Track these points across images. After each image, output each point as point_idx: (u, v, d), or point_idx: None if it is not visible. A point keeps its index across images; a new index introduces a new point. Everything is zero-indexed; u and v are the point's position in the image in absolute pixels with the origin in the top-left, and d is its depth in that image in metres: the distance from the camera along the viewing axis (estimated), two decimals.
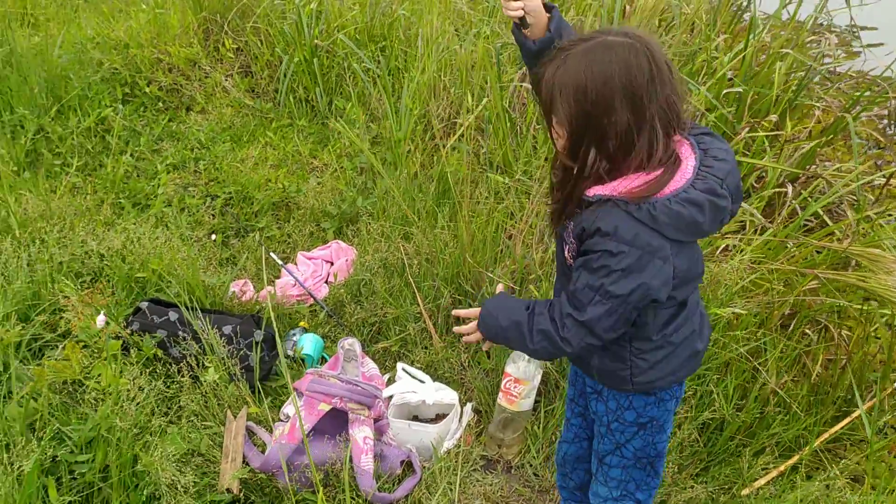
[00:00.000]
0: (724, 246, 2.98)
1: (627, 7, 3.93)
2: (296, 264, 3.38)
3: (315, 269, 3.34)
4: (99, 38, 4.82)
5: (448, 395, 2.61)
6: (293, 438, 2.35)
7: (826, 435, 2.56)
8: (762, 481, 2.40)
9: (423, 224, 3.09)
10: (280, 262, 3.30)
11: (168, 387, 2.50)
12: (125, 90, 4.47)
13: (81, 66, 4.45)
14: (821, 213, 3.17)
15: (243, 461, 2.36)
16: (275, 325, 2.31)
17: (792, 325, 2.79)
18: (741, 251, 2.85)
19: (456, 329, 1.84)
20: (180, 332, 2.61)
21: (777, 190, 3.21)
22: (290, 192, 3.71)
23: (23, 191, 3.33)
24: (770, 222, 3.06)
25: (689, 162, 1.48)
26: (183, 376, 2.48)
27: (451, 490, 2.39)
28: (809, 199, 3.15)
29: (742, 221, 3.10)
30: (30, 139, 3.82)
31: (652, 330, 1.62)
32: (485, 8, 4.52)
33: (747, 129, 3.17)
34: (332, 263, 3.38)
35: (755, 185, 3.39)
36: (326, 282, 3.29)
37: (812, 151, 3.39)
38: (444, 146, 3.32)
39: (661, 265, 1.46)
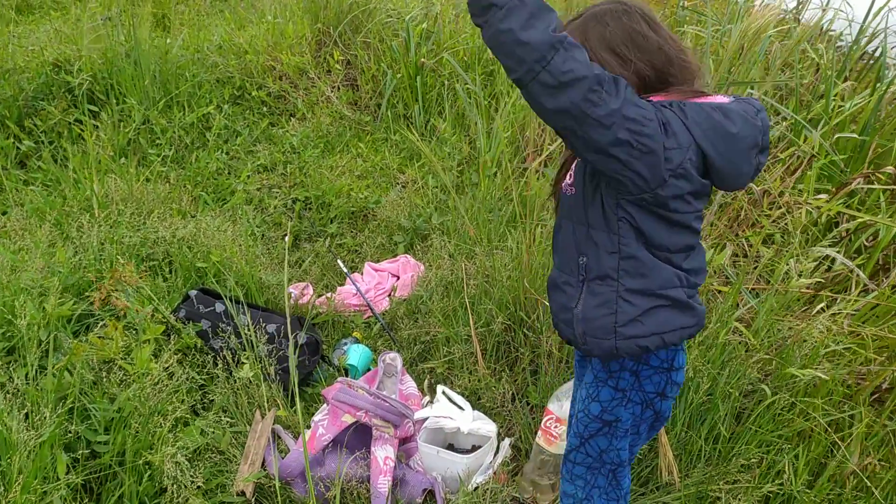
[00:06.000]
0: (821, 305, 2.67)
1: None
2: (361, 274, 3.30)
3: (380, 282, 3.25)
4: (222, 44, 4.99)
5: (486, 427, 2.42)
6: (314, 447, 2.24)
7: None
8: None
9: (488, 245, 2.94)
10: (346, 269, 3.23)
11: (201, 377, 2.44)
12: (235, 92, 4.58)
13: (198, 67, 4.60)
14: None
15: (262, 465, 2.27)
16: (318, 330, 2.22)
17: (888, 401, 2.45)
18: (838, 311, 2.54)
19: None
20: (223, 325, 2.56)
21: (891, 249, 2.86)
22: (369, 202, 3.65)
23: (114, 175, 3.41)
24: (876, 285, 2.73)
25: (723, 98, 1.52)
26: (218, 369, 2.43)
27: None
28: None
29: (842, 278, 2.79)
30: (133, 128, 3.94)
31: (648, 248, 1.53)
32: None
33: (860, 179, 2.84)
34: (398, 277, 3.28)
35: (867, 243, 3.03)
36: (389, 295, 3.18)
37: None
38: (528, 170, 3.17)
39: (671, 135, 1.42)
